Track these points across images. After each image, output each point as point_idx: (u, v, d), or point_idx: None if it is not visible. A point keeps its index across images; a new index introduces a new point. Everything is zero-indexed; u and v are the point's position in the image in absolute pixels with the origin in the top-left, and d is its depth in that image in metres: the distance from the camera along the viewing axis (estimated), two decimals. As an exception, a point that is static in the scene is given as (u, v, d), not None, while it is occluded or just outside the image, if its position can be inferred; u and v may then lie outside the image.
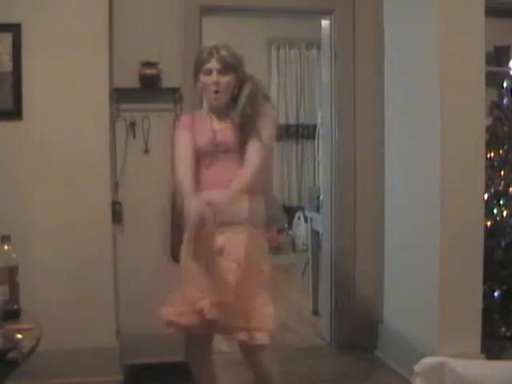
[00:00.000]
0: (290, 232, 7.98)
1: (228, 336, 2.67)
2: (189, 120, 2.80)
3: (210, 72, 2.62)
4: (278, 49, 8.31)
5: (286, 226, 8.03)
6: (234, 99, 2.66)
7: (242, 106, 2.62)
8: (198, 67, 2.67)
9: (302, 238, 7.54)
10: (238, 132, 2.62)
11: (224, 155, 2.64)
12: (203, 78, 2.64)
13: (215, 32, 3.90)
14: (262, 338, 2.57)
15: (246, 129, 2.60)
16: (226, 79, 2.62)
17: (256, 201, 2.68)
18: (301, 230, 7.71)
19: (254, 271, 2.60)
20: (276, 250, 6.98)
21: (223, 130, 2.66)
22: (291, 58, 8.34)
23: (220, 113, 2.71)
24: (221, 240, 2.57)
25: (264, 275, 2.65)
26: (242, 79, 2.67)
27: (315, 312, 5.15)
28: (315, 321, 4.94)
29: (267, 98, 2.75)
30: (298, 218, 7.91)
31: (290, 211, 8.18)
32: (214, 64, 2.61)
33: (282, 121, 8.30)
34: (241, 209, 2.60)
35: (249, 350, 2.64)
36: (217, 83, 2.61)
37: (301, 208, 7.68)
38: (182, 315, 2.59)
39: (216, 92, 2.63)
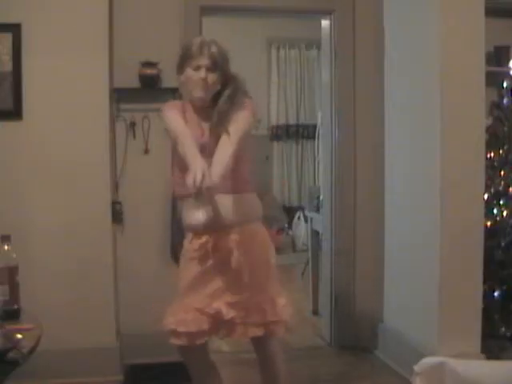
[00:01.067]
0: (290, 232, 7.97)
1: (237, 336, 2.63)
2: (180, 106, 2.71)
3: (198, 68, 2.56)
4: (278, 49, 8.30)
5: (286, 225, 8.03)
6: (215, 98, 2.61)
7: (220, 105, 2.58)
8: (185, 61, 2.61)
9: (302, 238, 7.53)
10: (214, 136, 2.54)
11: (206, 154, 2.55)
12: (190, 73, 2.58)
13: (215, 32, 3.88)
14: (278, 330, 2.61)
15: (219, 126, 2.53)
16: (213, 77, 2.57)
17: (251, 197, 2.68)
18: (301, 230, 7.70)
19: (263, 264, 2.62)
20: (276, 249, 6.96)
21: (207, 130, 2.60)
22: (291, 58, 8.33)
23: (201, 111, 2.64)
24: (229, 243, 2.55)
25: (272, 267, 2.68)
26: (226, 78, 2.63)
27: (315, 312, 5.14)
28: (315, 321, 4.93)
29: (246, 95, 2.67)
30: (298, 217, 7.90)
31: (290, 211, 8.18)
32: (204, 61, 2.56)
33: (282, 121, 8.34)
34: (240, 208, 2.59)
35: (264, 345, 2.66)
36: (205, 80, 2.56)
37: (301, 208, 7.68)
38: (190, 322, 2.53)
39: (203, 88, 2.58)
